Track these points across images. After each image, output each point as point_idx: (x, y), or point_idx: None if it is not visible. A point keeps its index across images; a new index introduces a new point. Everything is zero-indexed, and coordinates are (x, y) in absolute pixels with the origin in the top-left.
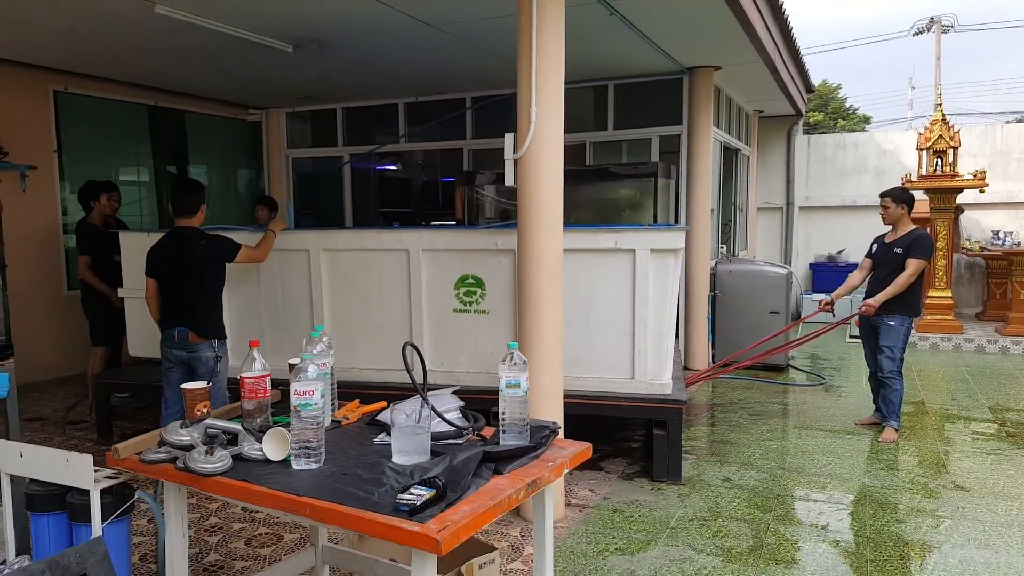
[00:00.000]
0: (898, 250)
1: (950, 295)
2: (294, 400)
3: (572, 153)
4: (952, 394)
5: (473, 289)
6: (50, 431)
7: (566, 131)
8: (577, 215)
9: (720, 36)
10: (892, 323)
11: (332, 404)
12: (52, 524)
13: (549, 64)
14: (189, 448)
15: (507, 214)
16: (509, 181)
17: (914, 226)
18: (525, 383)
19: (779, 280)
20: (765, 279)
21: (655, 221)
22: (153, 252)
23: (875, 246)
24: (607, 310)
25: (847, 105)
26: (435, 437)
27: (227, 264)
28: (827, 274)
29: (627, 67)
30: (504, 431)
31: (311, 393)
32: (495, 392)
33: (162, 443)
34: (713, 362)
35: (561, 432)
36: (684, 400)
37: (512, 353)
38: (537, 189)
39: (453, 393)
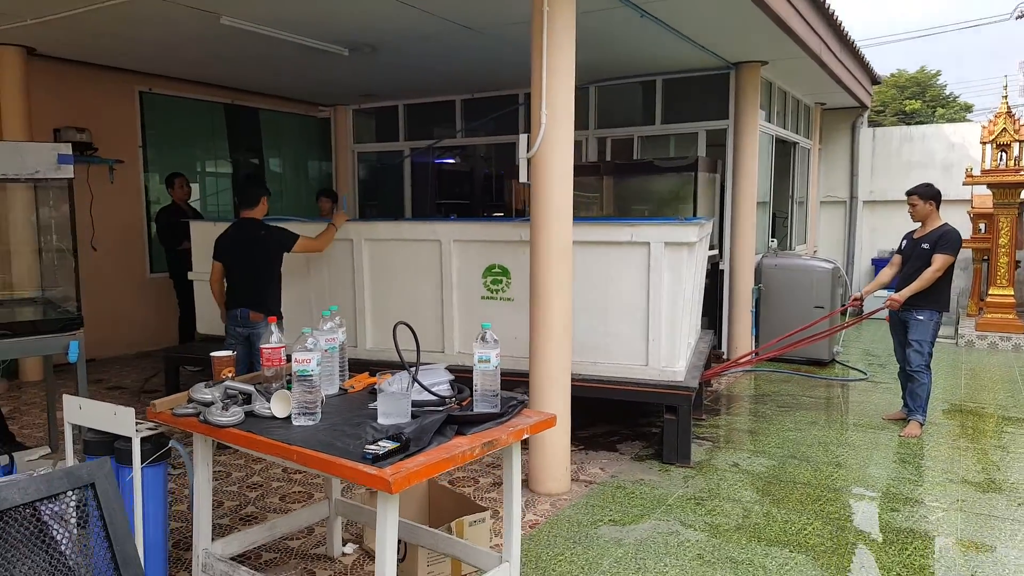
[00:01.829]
0: (925, 246)
1: (1012, 293)
2: (294, 367)
3: (620, 147)
4: (994, 393)
5: (499, 278)
6: (127, 399)
7: (615, 125)
8: (619, 207)
9: (756, 33)
10: (921, 317)
11: (342, 374)
12: None
13: (559, 71)
14: (211, 404)
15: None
16: (523, 179)
17: (943, 222)
18: (495, 359)
19: (824, 275)
20: (811, 274)
21: (695, 215)
22: (220, 240)
23: (904, 242)
24: (623, 300)
25: (947, 92)
26: (420, 404)
27: (285, 253)
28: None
29: (674, 63)
30: (477, 399)
31: (308, 361)
32: (518, 375)
33: (190, 400)
34: (756, 356)
35: (571, 411)
36: (695, 387)
37: (485, 333)
38: (548, 185)
39: (446, 368)
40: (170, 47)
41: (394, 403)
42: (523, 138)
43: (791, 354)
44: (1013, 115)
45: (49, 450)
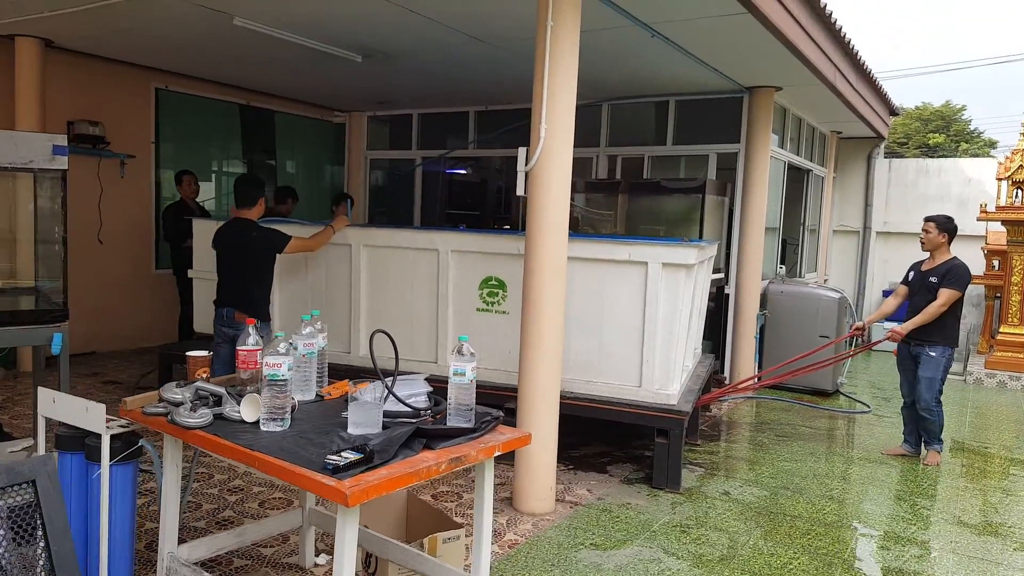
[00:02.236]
0: (933, 279)
1: (1023, 332)
2: (265, 371)
3: (630, 166)
4: (999, 433)
5: (495, 291)
6: (121, 393)
7: (626, 144)
8: (626, 226)
9: (767, 57)
10: (933, 354)
11: (320, 380)
12: (75, 462)
13: (560, 85)
14: (181, 405)
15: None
16: (520, 192)
17: (951, 255)
18: (471, 372)
19: (831, 304)
20: (817, 302)
21: (700, 237)
22: (216, 234)
23: (912, 273)
24: (619, 319)
25: (971, 128)
26: (393, 415)
27: (278, 254)
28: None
29: (688, 85)
30: (450, 413)
31: (279, 366)
32: (510, 389)
33: (160, 399)
34: (758, 382)
35: (564, 429)
36: (687, 412)
37: (462, 345)
38: (544, 200)
39: (430, 378)
40: (185, 45)
41: (365, 413)
42: (522, 151)
43: (794, 383)
44: None
45: (32, 442)
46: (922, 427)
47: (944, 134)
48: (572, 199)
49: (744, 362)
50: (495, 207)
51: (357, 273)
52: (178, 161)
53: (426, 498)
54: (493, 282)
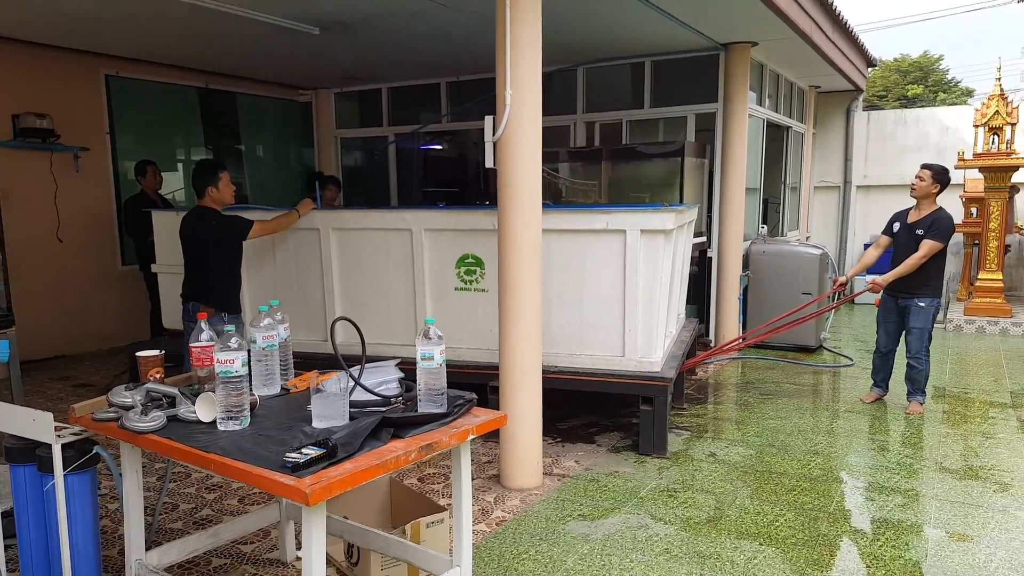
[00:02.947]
0: (919, 231)
1: (1000, 277)
2: (217, 368)
3: (609, 132)
4: (979, 378)
5: (473, 268)
6: (94, 396)
7: (604, 109)
8: (607, 194)
9: (743, 11)
10: (923, 304)
11: (285, 373)
12: (28, 474)
13: (524, 46)
14: (132, 408)
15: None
16: (490, 163)
17: (938, 206)
18: (440, 356)
19: (812, 261)
20: (799, 260)
21: (681, 201)
22: (180, 225)
23: (897, 224)
24: (600, 289)
25: (949, 77)
26: (363, 405)
27: (243, 241)
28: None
29: (664, 44)
30: (421, 399)
31: (232, 362)
32: (493, 368)
33: (111, 404)
34: (742, 342)
35: (552, 402)
36: (671, 378)
37: (428, 328)
38: (515, 170)
39: (397, 365)
40: (133, 28)
41: (329, 405)
42: (488, 120)
43: (778, 341)
44: (1006, 98)
45: None
46: (909, 376)
47: (923, 85)
48: (555, 170)
49: (729, 324)
50: (475, 182)
51: (328, 258)
52: (138, 152)
53: (412, 481)
54: (470, 260)
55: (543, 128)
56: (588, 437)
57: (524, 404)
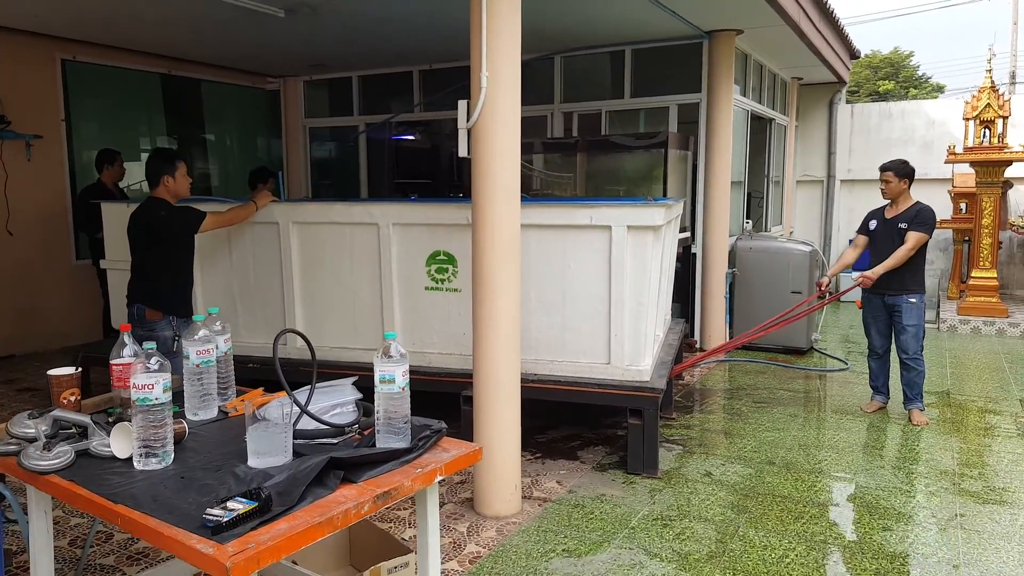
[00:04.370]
0: (902, 225)
1: (995, 275)
2: (132, 394)
3: (587, 123)
4: (983, 384)
5: (444, 266)
6: (37, 402)
7: (582, 99)
8: (585, 187)
9: None
10: (913, 300)
11: (225, 392)
12: None
13: (502, 24)
14: (34, 441)
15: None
16: (463, 152)
17: (915, 200)
18: (402, 378)
19: (802, 258)
20: (787, 257)
21: (664, 195)
22: (128, 219)
23: (874, 222)
24: (583, 290)
25: (919, 73)
26: (311, 435)
27: (195, 234)
28: (867, 250)
29: (645, 32)
30: (379, 431)
31: (151, 387)
32: (467, 375)
33: (11, 436)
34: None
35: (531, 412)
36: (662, 388)
37: (389, 345)
38: (490, 161)
39: (353, 384)
40: (88, 8)
41: (267, 439)
42: (462, 106)
43: (767, 342)
44: (997, 90)
45: None
46: (907, 380)
47: (894, 81)
48: (529, 161)
49: (715, 324)
50: (448, 174)
51: (288, 254)
52: (96, 141)
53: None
54: (441, 256)
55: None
56: (570, 452)
57: (501, 421)
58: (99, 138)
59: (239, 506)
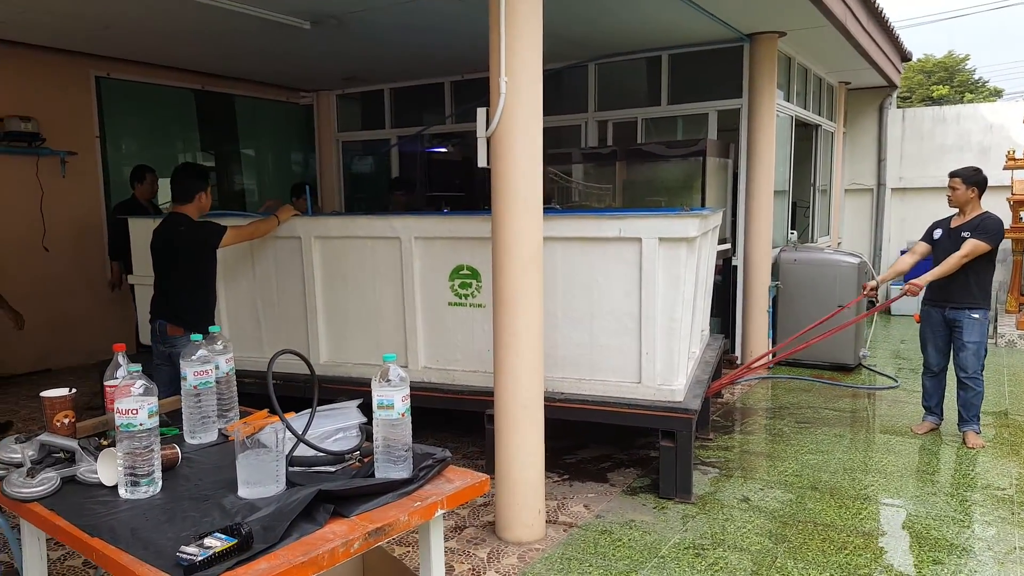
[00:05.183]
0: (966, 234)
1: None
2: (116, 419)
3: (623, 131)
4: None
5: (468, 281)
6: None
7: (617, 107)
8: (623, 199)
9: None
10: (976, 316)
11: (227, 414)
12: None
13: (522, 26)
14: (20, 466)
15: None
16: (483, 162)
17: (983, 210)
18: (402, 404)
19: (850, 270)
20: (835, 269)
21: (703, 204)
22: (152, 234)
23: (939, 231)
24: (612, 306)
25: (975, 77)
26: (308, 463)
27: (216, 249)
28: (920, 262)
29: (682, 36)
30: (377, 460)
31: (135, 412)
32: (492, 393)
33: None
34: (772, 359)
35: (559, 432)
36: (696, 409)
37: (388, 368)
38: (510, 170)
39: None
40: (122, 26)
41: (257, 467)
42: (481, 113)
43: (812, 359)
44: None
45: None
46: (964, 400)
47: (948, 85)
48: (566, 172)
49: (757, 339)
50: (482, 186)
51: (310, 269)
52: (130, 157)
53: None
54: (465, 271)
55: (551, 128)
56: (600, 474)
57: (523, 442)
58: (134, 154)
59: (217, 543)
